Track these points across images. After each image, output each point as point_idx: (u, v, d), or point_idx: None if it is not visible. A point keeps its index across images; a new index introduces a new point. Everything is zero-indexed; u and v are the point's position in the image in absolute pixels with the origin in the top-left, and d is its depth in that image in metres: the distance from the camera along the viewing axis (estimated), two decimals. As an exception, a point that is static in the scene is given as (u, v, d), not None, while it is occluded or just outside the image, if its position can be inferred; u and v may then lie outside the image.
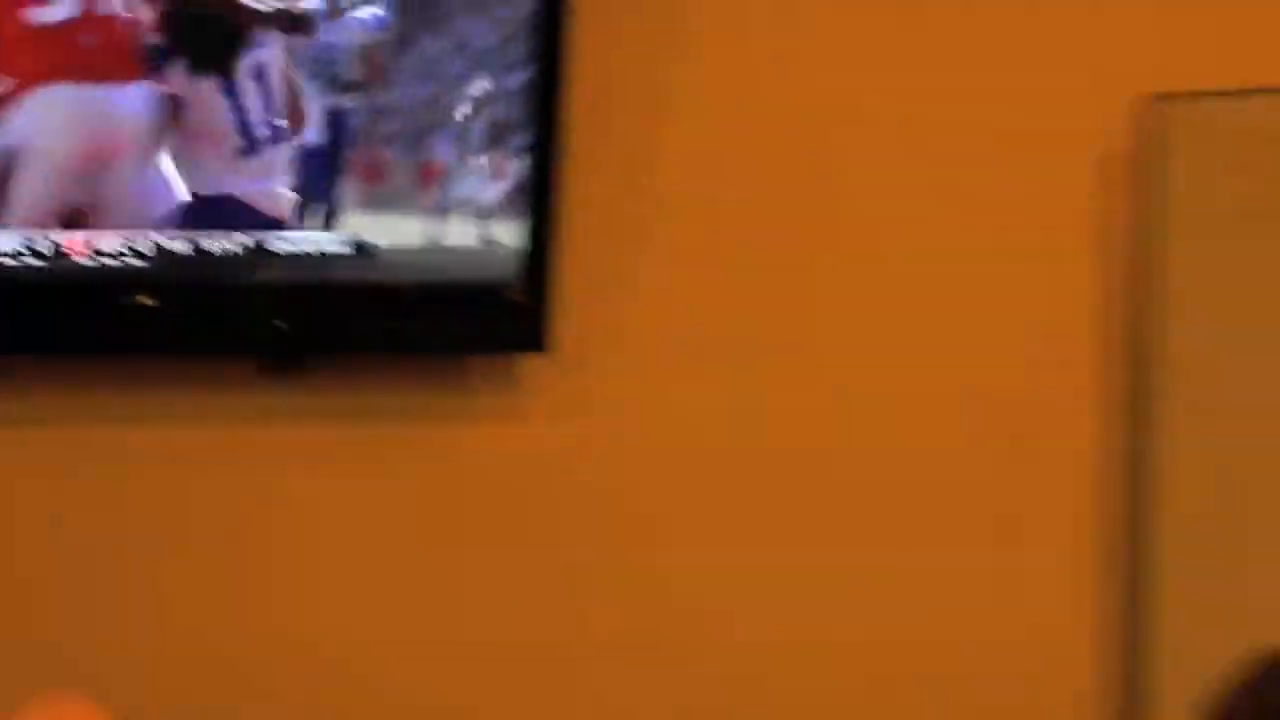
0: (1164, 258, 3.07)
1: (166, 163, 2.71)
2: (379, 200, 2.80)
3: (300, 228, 2.74)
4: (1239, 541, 3.02)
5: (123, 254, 2.67)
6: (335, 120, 2.77)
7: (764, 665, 3.06)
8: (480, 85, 2.80)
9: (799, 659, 3.04)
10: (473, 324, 2.91)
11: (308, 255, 2.75)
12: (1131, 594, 3.06)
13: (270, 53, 2.72)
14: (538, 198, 2.84)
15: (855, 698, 3.07)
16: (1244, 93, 3.03)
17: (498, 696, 2.98)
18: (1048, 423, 3.14)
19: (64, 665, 2.83)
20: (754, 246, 3.07)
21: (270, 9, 2.70)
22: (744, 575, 3.04)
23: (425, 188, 2.80)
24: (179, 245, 2.67)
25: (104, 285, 2.69)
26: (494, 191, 2.82)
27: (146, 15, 2.69)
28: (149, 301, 2.70)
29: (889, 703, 3.06)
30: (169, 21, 2.70)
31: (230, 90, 2.73)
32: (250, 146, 2.74)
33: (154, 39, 2.70)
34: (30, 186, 2.67)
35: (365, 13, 2.75)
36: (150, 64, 2.70)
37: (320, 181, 2.77)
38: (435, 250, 2.81)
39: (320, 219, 2.75)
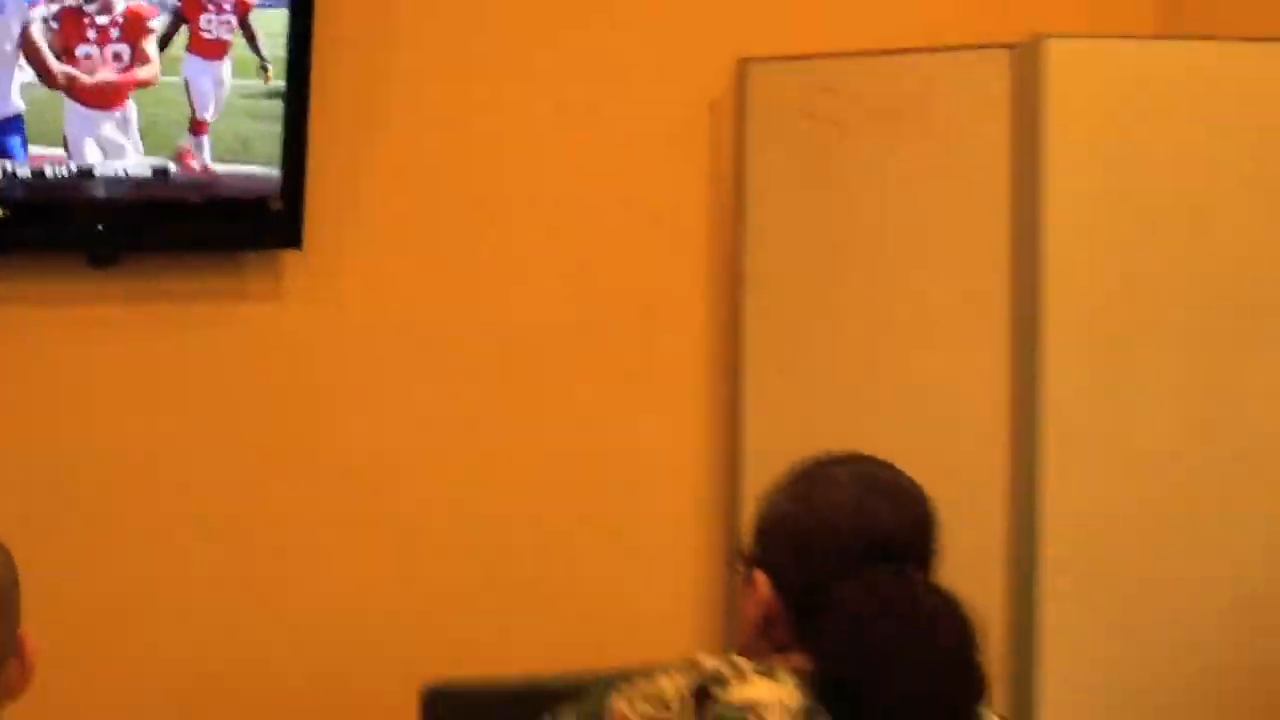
0: (751, 182, 4.03)
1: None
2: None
3: (118, 156, 3.48)
4: (809, 376, 3.99)
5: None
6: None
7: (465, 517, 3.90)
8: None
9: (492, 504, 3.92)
10: (245, 228, 3.65)
11: (121, 177, 3.50)
12: (731, 421, 4.05)
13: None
14: (292, 134, 3.60)
15: (527, 553, 3.94)
16: (812, 56, 3.98)
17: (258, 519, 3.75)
18: (671, 302, 4.11)
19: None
20: (455, 177, 3.89)
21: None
22: (449, 419, 3.89)
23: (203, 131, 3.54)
24: (24, 170, 3.40)
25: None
26: (260, 128, 3.58)
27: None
28: (2, 213, 3.40)
29: (556, 541, 3.96)
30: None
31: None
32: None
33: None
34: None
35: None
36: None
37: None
38: (216, 173, 3.56)
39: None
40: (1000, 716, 1.80)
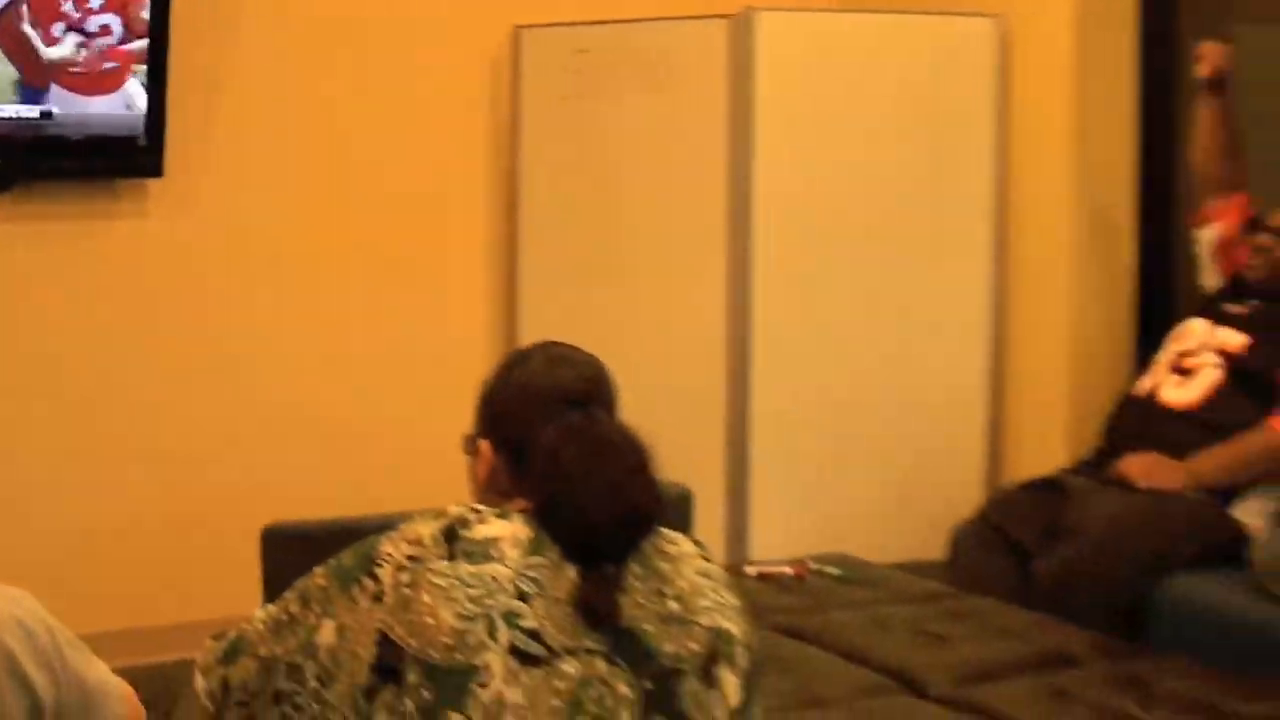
0: (525, 124, 4.71)
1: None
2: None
3: (12, 101, 4.15)
4: (572, 281, 4.65)
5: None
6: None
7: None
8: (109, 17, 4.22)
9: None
10: (118, 160, 4.30)
11: (12, 118, 4.13)
12: (509, 315, 4.76)
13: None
14: (154, 81, 4.25)
15: (351, 419, 4.59)
16: (573, 24, 4.64)
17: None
18: (463, 220, 4.79)
19: None
20: (289, 117, 4.53)
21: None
22: (288, 315, 4.55)
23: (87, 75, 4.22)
24: (-61, 111, 4.08)
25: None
26: (127, 77, 4.25)
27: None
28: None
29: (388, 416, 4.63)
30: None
31: None
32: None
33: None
34: None
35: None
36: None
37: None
38: (92, 115, 4.21)
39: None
40: (695, 540, 1.95)
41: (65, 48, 4.21)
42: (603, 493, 1.86)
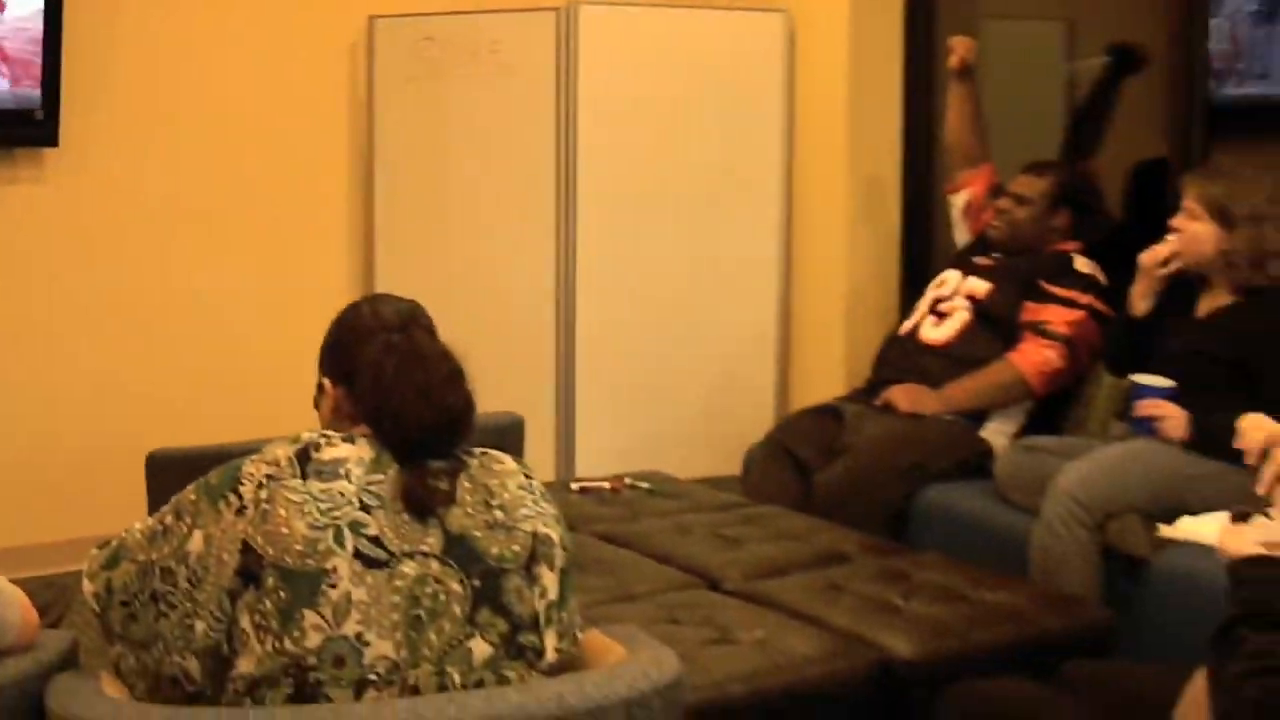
0: (379, 104, 4.65)
1: None
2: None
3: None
4: (423, 242, 4.63)
5: None
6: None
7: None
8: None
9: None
10: (18, 132, 4.20)
11: None
12: (366, 270, 4.71)
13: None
14: (49, 60, 4.14)
15: (228, 355, 4.51)
16: (420, 14, 4.57)
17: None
18: (325, 189, 4.72)
19: None
20: (171, 92, 4.44)
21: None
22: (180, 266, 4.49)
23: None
24: None
25: None
26: (25, 57, 4.15)
27: None
28: None
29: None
30: None
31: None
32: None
33: None
34: None
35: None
36: None
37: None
38: None
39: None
40: (518, 460, 1.92)
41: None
42: (418, 397, 1.85)
